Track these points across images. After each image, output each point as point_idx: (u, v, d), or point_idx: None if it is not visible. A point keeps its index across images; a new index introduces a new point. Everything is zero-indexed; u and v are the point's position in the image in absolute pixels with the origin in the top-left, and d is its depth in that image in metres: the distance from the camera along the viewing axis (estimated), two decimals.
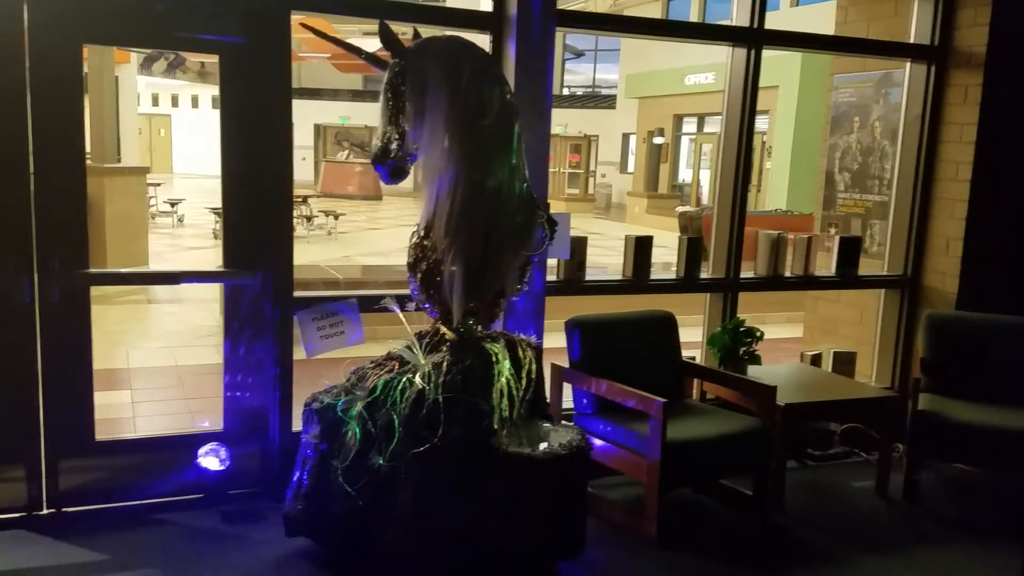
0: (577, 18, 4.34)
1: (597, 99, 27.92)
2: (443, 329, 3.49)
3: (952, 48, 5.06)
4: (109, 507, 3.86)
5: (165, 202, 16.91)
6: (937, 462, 4.78)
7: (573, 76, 34.14)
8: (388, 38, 3.37)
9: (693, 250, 4.78)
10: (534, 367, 3.50)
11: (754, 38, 4.71)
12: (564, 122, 28.39)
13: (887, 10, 5.48)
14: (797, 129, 19.80)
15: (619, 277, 4.69)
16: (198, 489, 3.99)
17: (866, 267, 5.39)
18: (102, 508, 3.86)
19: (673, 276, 4.81)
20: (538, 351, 3.54)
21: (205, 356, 6.96)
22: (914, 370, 4.68)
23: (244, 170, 3.93)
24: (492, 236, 3.24)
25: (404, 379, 3.36)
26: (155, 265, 10.47)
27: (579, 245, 4.43)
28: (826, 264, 5.35)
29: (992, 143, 4.94)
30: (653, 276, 4.76)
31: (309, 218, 15.96)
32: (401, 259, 3.65)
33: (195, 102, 34.24)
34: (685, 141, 24.91)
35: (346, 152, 27.09)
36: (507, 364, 3.38)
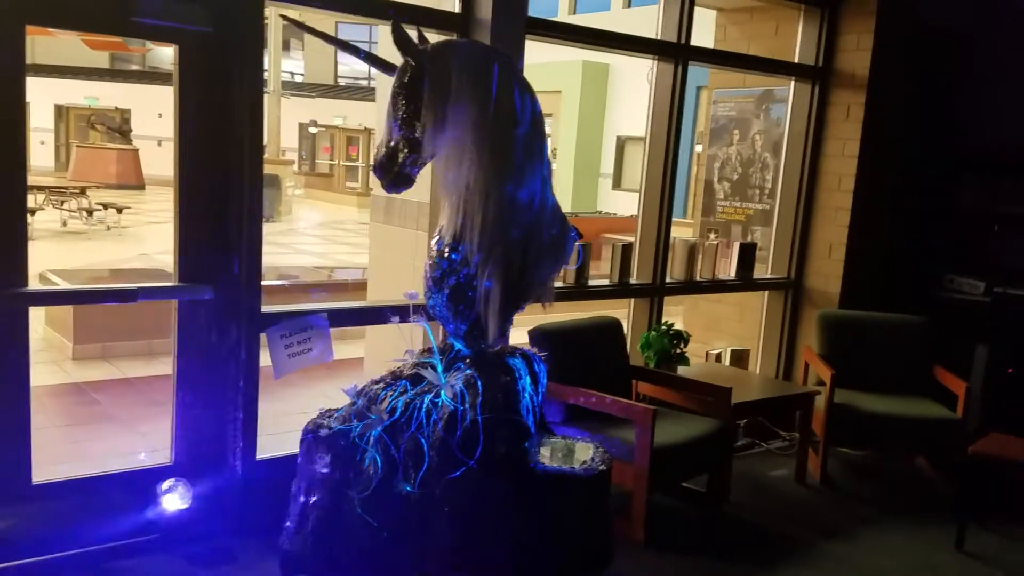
0: (539, 25, 4.30)
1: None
2: (458, 345, 3.36)
3: (835, 69, 5.56)
4: (54, 558, 3.35)
5: None
6: (842, 449, 5.26)
7: (345, 67, 33.40)
8: (402, 39, 3.17)
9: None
10: (545, 381, 3.46)
11: (681, 53, 4.92)
12: (343, 114, 27.86)
13: (768, 30, 5.91)
14: (580, 132, 20.71)
15: (562, 284, 4.72)
16: (153, 530, 3.57)
17: None
18: (46, 560, 3.34)
19: (608, 282, 4.93)
20: (548, 364, 3.50)
21: (48, 375, 6.16)
22: (815, 366, 5.11)
23: (203, 174, 3.56)
24: (530, 249, 3.16)
25: (427, 399, 3.20)
26: None
27: None
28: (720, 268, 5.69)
29: (872, 157, 5.49)
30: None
31: (90, 211, 14.51)
32: None
33: None
34: None
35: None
36: (528, 380, 3.32)
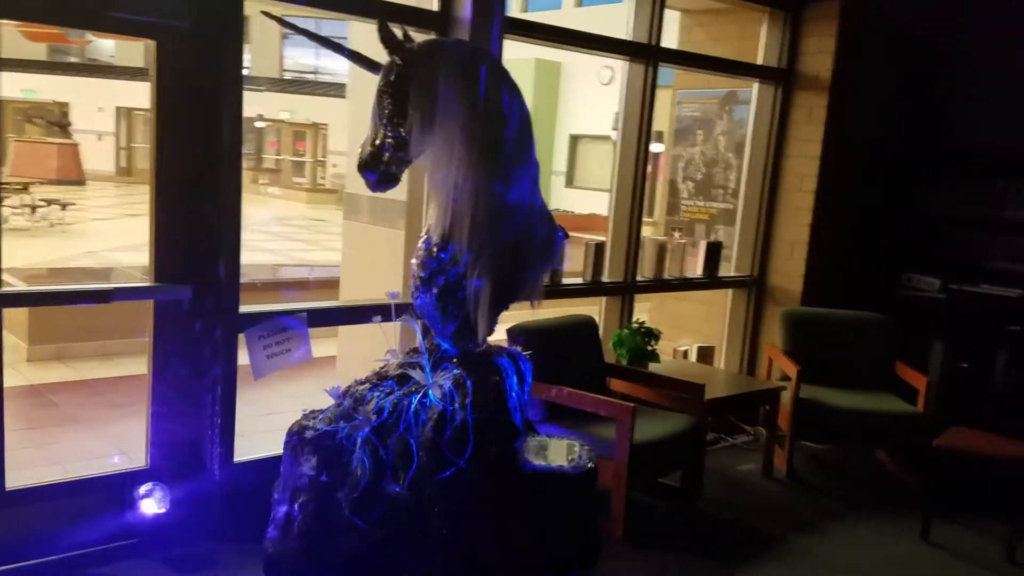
0: (517, 25, 4.30)
1: (327, 86, 27.23)
2: (444, 344, 3.35)
3: (798, 72, 5.67)
4: (29, 566, 3.27)
5: None
6: (805, 443, 5.37)
7: (290, 60, 32.88)
8: (389, 38, 3.15)
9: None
10: (530, 380, 3.47)
11: (652, 54, 4.97)
12: (290, 108, 27.47)
13: (732, 32, 6.00)
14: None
15: None
16: (130, 535, 3.50)
17: None
18: (22, 567, 3.26)
19: (581, 280, 4.97)
20: (532, 364, 3.52)
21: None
22: (781, 362, 5.21)
23: (180, 173, 3.49)
24: (520, 250, 3.17)
25: (415, 400, 3.19)
26: None
27: None
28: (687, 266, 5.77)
29: (833, 158, 5.62)
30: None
31: (33, 208, 14.10)
32: None
33: None
34: None
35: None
36: (515, 379, 3.33)
